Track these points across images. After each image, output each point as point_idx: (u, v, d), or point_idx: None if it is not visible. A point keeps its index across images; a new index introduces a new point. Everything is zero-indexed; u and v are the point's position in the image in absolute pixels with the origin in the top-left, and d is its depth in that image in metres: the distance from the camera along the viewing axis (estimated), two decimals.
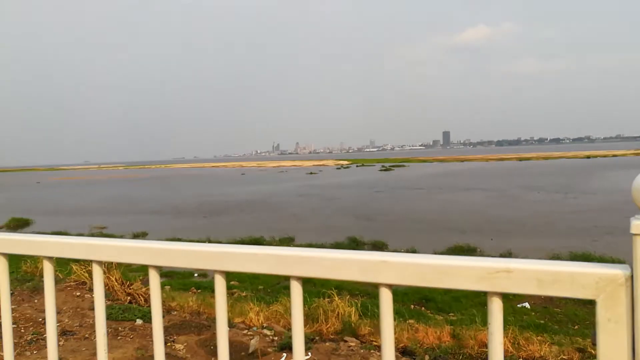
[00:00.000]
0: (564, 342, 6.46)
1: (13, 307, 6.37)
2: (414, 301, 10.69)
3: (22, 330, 5.57)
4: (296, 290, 0.83)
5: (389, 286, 0.87)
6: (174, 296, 8.66)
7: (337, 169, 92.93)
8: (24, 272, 8.99)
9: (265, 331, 6.30)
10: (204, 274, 13.56)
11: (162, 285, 10.23)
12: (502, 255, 13.92)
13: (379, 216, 25.43)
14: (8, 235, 0.99)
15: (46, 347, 3.77)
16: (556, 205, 27.11)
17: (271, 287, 12.17)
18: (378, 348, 5.89)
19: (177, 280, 12.84)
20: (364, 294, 10.98)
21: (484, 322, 6.77)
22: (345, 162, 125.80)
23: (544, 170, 59.82)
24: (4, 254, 1.00)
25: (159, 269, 0.87)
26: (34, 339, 5.42)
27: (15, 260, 9.43)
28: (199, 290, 11.12)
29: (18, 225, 27.24)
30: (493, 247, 16.39)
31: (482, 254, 15.20)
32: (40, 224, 27.43)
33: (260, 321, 6.81)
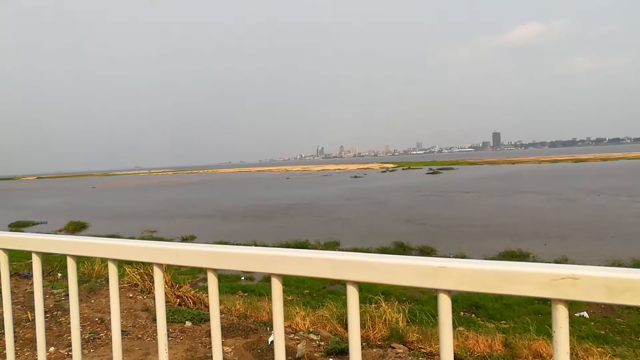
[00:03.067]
0: (627, 355, 6.11)
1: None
2: (464, 308, 10.42)
3: (80, 329, 5.81)
4: (352, 295, 0.82)
5: (448, 292, 0.85)
6: (222, 299, 8.82)
7: (383, 172, 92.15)
8: (81, 274, 9.41)
9: (312, 336, 6.29)
10: (250, 277, 13.77)
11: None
12: (556, 262, 13.37)
13: (426, 220, 25.01)
14: (76, 238, 1.05)
15: (102, 346, 3.93)
16: (619, 209, 25.70)
17: (317, 292, 12.20)
18: (427, 355, 5.76)
19: (224, 283, 13.10)
20: (412, 300, 10.81)
21: (539, 332, 6.51)
22: (391, 165, 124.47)
23: (603, 172, 57.00)
24: (73, 256, 1.07)
25: (217, 271, 0.89)
26: (91, 338, 5.66)
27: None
28: (245, 294, 11.29)
29: (75, 228, 28.67)
30: (547, 253, 15.75)
31: (535, 260, 14.65)
32: (96, 227, 28.74)
33: (306, 326, 6.82)
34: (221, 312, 7.25)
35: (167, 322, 4.99)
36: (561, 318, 0.82)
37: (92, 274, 9.30)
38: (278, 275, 0.86)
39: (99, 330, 5.90)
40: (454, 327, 7.61)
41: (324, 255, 0.81)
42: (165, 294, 6.30)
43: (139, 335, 5.87)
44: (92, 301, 7.30)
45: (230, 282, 13.38)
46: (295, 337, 6.16)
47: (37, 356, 4.85)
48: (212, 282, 0.91)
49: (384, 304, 7.24)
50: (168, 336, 5.85)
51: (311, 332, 6.51)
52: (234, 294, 11.09)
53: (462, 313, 10.09)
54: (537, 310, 9.77)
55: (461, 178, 61.36)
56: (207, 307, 7.64)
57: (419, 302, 10.63)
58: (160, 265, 0.97)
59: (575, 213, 24.93)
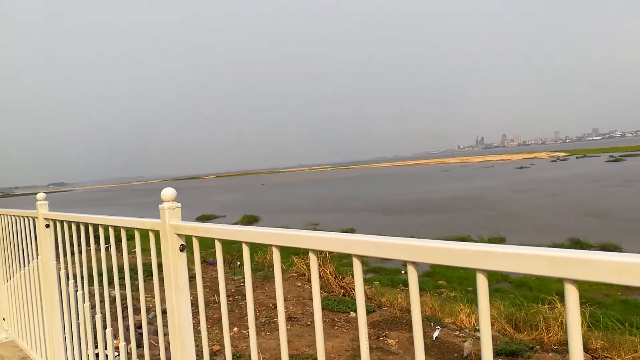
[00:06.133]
0: None
1: None
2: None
3: (257, 314, 6.42)
4: (572, 295, 0.74)
5: None
6: (383, 292, 8.93)
7: (553, 161, 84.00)
8: (255, 263, 10.34)
9: (478, 334, 6.03)
10: None
11: (371, 281, 10.57)
12: None
13: (607, 214, 22.08)
14: (279, 230, 1.16)
15: (276, 330, 4.29)
16: None
17: None
18: None
19: (384, 276, 13.25)
20: (593, 303, 9.66)
21: None
22: (562, 154, 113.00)
23: None
24: (277, 246, 1.19)
25: (417, 264, 0.89)
26: (267, 322, 6.21)
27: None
28: (406, 288, 11.26)
29: (249, 221, 31.62)
30: None
31: None
32: (266, 220, 31.37)
33: (471, 323, 6.55)
34: (384, 305, 7.35)
35: (333, 311, 5.24)
36: None
37: (265, 263, 10.18)
38: (483, 271, 0.82)
39: (272, 315, 6.46)
40: (635, 334, 6.59)
41: (538, 251, 0.75)
42: (330, 284, 6.60)
43: (308, 323, 6.27)
44: (266, 288, 8.00)
45: (390, 275, 13.49)
46: (461, 335, 5.96)
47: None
48: (412, 275, 0.91)
49: (559, 305, 6.59)
50: (334, 325, 6.13)
51: (477, 330, 6.24)
52: (395, 287, 11.15)
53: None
54: None
55: None
56: (370, 298, 7.81)
57: (602, 306, 9.44)
58: (358, 257, 1.01)
59: None
